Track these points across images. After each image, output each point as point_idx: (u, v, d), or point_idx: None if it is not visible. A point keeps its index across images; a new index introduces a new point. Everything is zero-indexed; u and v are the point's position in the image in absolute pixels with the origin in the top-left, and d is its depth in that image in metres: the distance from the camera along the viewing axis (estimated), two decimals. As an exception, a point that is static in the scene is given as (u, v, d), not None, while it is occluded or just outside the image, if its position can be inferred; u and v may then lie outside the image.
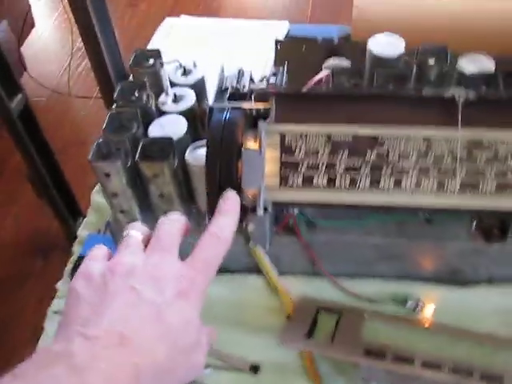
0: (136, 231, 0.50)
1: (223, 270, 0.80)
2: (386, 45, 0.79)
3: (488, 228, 0.75)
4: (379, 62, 0.79)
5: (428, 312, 0.77)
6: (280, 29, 1.19)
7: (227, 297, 0.80)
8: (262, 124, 0.58)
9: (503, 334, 0.75)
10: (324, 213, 0.76)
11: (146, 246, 0.49)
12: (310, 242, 0.75)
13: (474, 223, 0.75)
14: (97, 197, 0.96)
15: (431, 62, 0.79)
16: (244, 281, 0.81)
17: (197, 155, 0.72)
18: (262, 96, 0.62)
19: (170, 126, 0.76)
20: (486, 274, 0.79)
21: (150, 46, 1.22)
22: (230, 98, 0.78)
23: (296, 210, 0.70)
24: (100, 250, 0.49)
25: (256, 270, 0.80)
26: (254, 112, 0.63)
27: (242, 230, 0.69)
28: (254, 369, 0.73)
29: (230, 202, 0.54)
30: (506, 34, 0.99)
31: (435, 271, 0.79)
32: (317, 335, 0.76)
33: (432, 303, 0.78)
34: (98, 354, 0.40)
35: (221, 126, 0.59)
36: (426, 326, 0.76)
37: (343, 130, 0.58)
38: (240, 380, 0.73)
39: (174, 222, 0.51)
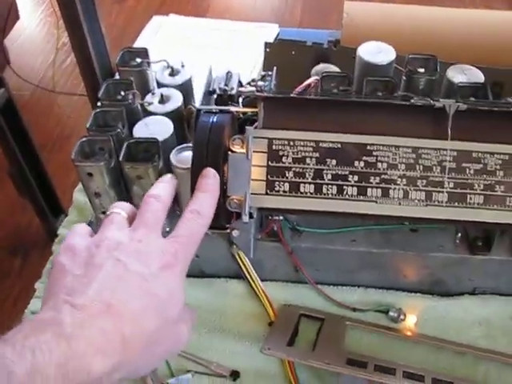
0: (120, 209, 0.51)
1: (204, 274, 0.80)
2: (376, 52, 0.79)
3: (472, 240, 0.75)
4: (369, 68, 0.78)
5: (410, 322, 0.77)
6: (270, 32, 1.18)
7: (208, 302, 0.79)
8: (249, 129, 0.57)
9: (484, 345, 0.76)
10: (309, 220, 0.75)
11: (130, 224, 0.50)
12: (294, 248, 0.75)
13: (459, 235, 0.74)
14: (79, 195, 0.95)
15: (421, 70, 0.78)
16: (225, 286, 0.80)
17: (182, 158, 0.71)
18: (250, 100, 0.61)
19: (156, 127, 0.75)
20: (469, 285, 0.79)
21: (137, 44, 1.20)
22: (217, 101, 0.77)
23: (281, 216, 0.69)
24: (82, 228, 0.50)
25: (237, 275, 0.79)
26: (242, 116, 0.62)
27: (224, 234, 0.69)
28: (235, 375, 0.73)
29: (209, 181, 0.55)
30: (495, 46, 1.00)
31: (418, 281, 0.79)
32: (299, 343, 0.75)
33: (414, 313, 0.77)
34: (86, 322, 0.40)
35: (207, 130, 0.58)
36: (408, 335, 0.76)
37: (332, 138, 0.57)
38: (220, 386, 0.72)
39: (159, 200, 0.52)
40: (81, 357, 0.39)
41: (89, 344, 0.39)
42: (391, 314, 0.77)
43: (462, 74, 0.80)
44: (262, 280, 0.78)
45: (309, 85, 0.75)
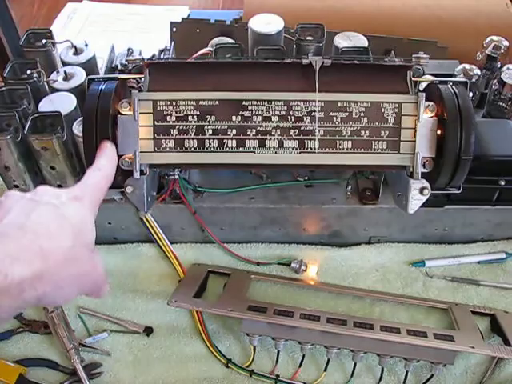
0: None
1: (117, 241, 0.84)
2: (265, 23, 0.84)
3: (362, 191, 0.81)
4: (260, 39, 0.84)
5: (311, 272, 0.83)
6: (181, 14, 1.23)
7: (122, 266, 0.83)
8: (134, 92, 0.61)
9: (380, 288, 0.82)
10: (210, 181, 0.80)
11: None
12: (197, 209, 0.80)
13: (350, 187, 0.80)
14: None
15: (309, 38, 0.84)
16: (137, 250, 0.85)
17: (83, 127, 0.75)
18: (139, 68, 0.66)
19: (60, 103, 0.79)
20: (365, 235, 0.85)
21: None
22: (119, 75, 0.81)
23: (177, 176, 0.74)
24: None
25: (148, 239, 0.84)
26: (131, 83, 0.67)
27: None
28: (148, 331, 0.77)
29: (107, 150, 0.59)
30: (377, 16, 1.07)
31: (318, 234, 0.85)
32: (207, 297, 0.80)
33: (315, 264, 0.83)
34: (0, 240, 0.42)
35: (97, 96, 0.62)
36: (310, 284, 0.82)
37: (210, 96, 0.62)
38: (134, 342, 0.77)
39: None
40: None
41: (5, 255, 0.41)
42: (293, 265, 0.83)
43: (348, 40, 0.86)
44: (171, 242, 0.83)
45: (205, 54, 0.80)
